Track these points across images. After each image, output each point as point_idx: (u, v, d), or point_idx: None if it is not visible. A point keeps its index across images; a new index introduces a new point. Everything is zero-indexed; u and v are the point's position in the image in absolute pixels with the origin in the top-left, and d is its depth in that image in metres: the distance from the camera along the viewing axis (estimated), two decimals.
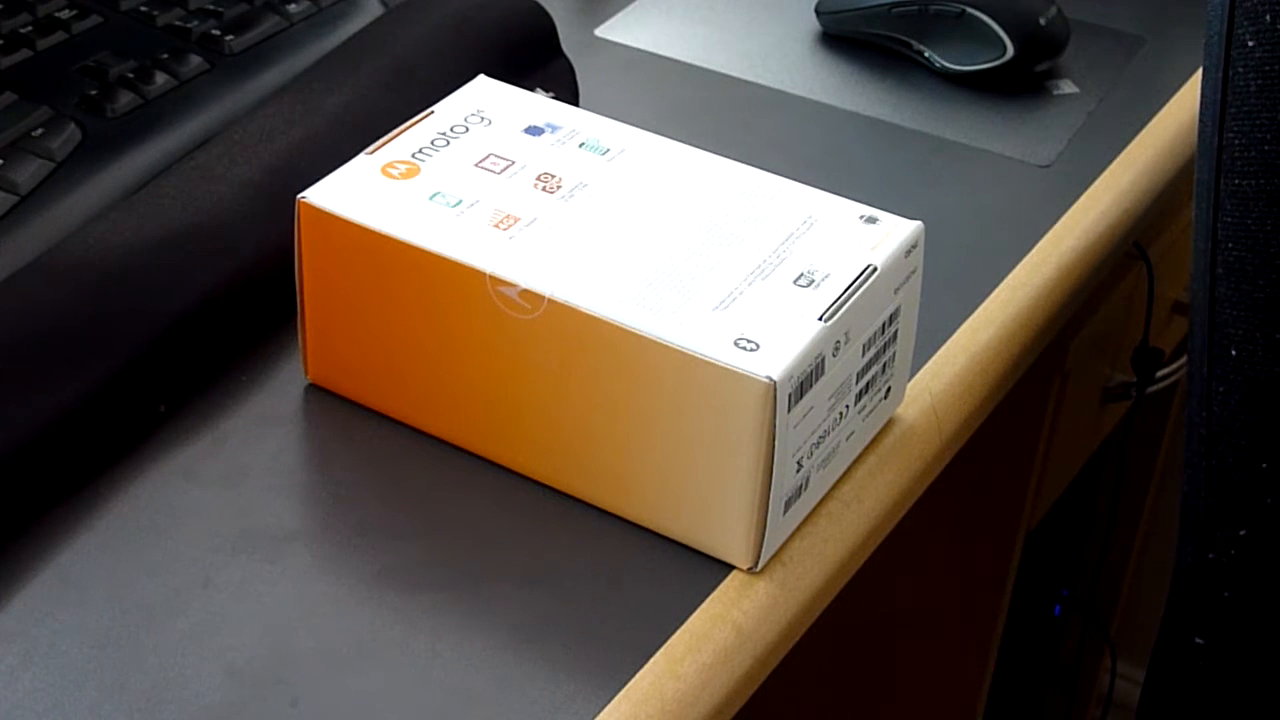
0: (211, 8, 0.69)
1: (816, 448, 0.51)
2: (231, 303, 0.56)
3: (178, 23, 0.68)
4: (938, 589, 0.94)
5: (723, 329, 0.49)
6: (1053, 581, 1.08)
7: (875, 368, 0.53)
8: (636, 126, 0.58)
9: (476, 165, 0.55)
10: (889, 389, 0.55)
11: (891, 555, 0.59)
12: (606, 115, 0.58)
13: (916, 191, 0.70)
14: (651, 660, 0.48)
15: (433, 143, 0.56)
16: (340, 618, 0.48)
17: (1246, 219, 0.56)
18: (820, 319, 0.49)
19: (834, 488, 0.54)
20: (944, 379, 0.60)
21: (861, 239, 0.53)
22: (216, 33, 0.67)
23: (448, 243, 0.51)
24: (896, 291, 0.53)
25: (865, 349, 0.52)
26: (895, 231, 0.53)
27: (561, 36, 0.71)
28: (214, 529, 0.51)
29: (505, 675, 0.47)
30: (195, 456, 0.53)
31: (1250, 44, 0.54)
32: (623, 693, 0.47)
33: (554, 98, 0.60)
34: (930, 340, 0.61)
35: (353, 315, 0.54)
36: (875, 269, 0.52)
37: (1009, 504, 0.88)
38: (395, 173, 0.54)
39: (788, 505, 0.51)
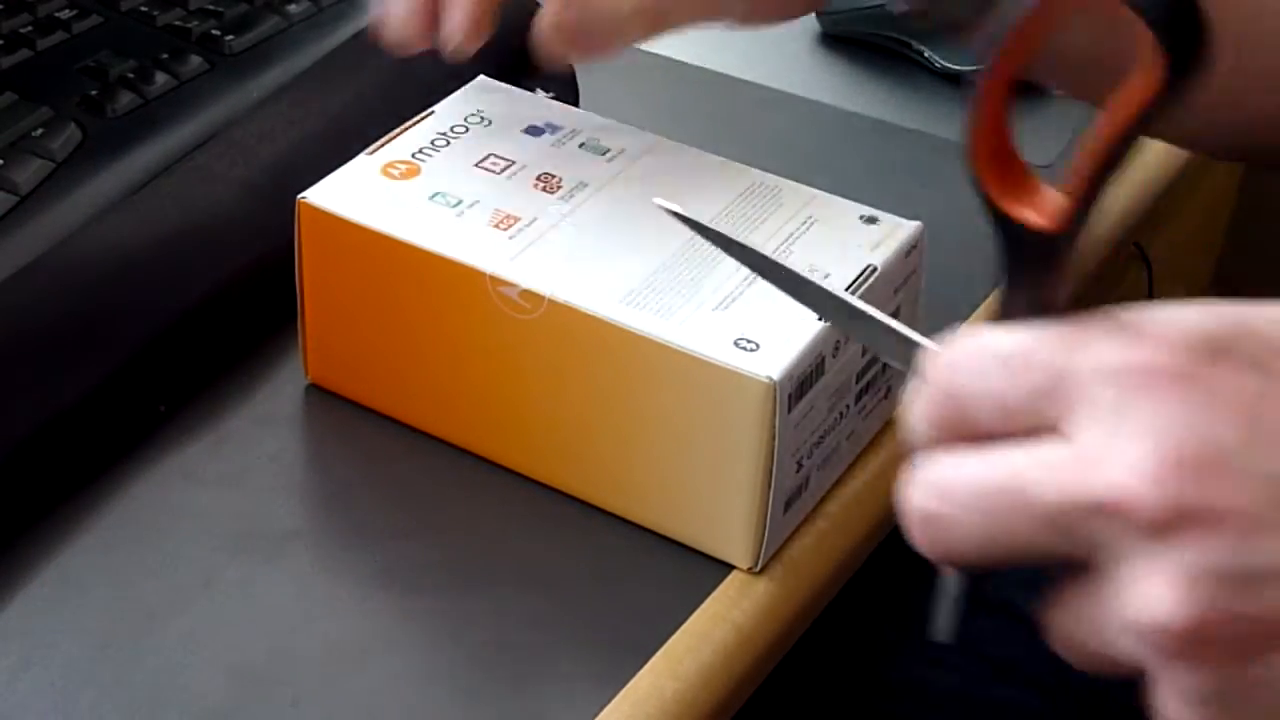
0: (211, 8, 0.69)
1: (816, 448, 0.51)
2: (231, 303, 0.56)
3: (178, 23, 0.68)
4: None
5: (723, 329, 0.49)
6: None
7: (875, 368, 0.53)
8: (636, 126, 0.58)
9: (476, 165, 0.55)
10: (889, 389, 0.55)
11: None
12: (606, 115, 0.58)
13: (916, 191, 0.70)
14: (651, 660, 0.48)
15: (433, 143, 0.56)
16: (340, 618, 0.48)
17: None
18: (820, 319, 0.49)
19: (834, 488, 0.54)
20: None
21: (861, 239, 0.53)
22: (216, 33, 0.67)
23: (448, 243, 0.51)
24: (896, 291, 0.53)
25: (865, 349, 0.52)
26: (895, 231, 0.53)
27: None
28: (214, 529, 0.51)
29: (505, 675, 0.47)
30: (195, 456, 0.53)
31: None
32: (623, 693, 0.47)
33: (554, 98, 0.60)
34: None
35: (353, 315, 0.54)
36: (875, 269, 0.52)
37: None
38: (395, 173, 0.54)
39: (788, 505, 0.51)
